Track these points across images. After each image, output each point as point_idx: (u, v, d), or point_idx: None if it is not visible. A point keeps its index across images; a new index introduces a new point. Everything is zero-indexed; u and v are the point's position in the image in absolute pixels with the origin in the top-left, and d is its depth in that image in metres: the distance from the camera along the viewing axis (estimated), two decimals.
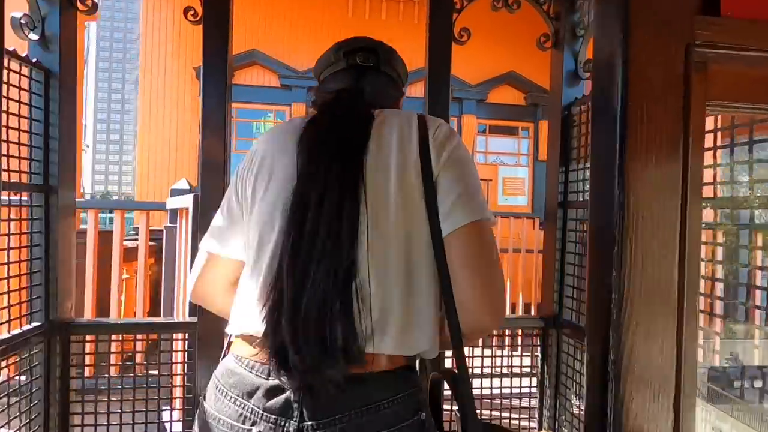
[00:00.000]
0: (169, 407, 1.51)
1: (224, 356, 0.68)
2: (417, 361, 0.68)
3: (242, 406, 0.59)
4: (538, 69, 5.27)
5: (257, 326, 0.59)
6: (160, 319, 1.41)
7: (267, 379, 0.59)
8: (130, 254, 2.57)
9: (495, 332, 1.62)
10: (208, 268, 0.75)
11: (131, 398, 1.34)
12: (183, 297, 1.81)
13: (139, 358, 1.41)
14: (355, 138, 0.64)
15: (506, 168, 5.32)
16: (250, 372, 0.60)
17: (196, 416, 0.66)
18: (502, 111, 5.22)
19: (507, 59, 5.08)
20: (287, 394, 0.57)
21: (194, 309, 1.41)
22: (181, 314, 1.79)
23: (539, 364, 1.62)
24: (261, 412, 0.57)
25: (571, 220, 1.52)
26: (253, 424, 0.57)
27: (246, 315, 0.63)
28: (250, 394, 0.59)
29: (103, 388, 1.35)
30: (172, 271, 2.00)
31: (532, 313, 3.30)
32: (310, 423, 0.56)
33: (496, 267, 0.64)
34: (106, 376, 1.36)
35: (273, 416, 0.57)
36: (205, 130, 1.41)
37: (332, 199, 0.58)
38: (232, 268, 0.73)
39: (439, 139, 0.66)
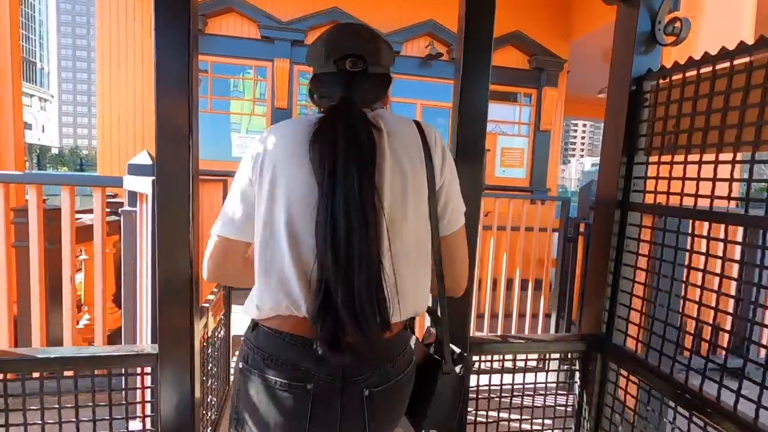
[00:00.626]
0: None
1: (253, 328, 0.80)
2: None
3: (294, 369, 0.74)
4: (546, 29, 4.86)
5: (295, 308, 0.74)
6: (111, 350, 1.07)
7: (312, 348, 0.72)
8: (89, 232, 2.20)
9: (528, 356, 1.34)
10: (227, 253, 0.84)
11: None
12: (146, 308, 1.48)
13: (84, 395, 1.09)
14: (368, 154, 0.73)
15: (505, 137, 4.99)
16: (295, 344, 0.75)
17: (239, 380, 0.79)
18: (504, 75, 4.81)
19: (512, 18, 4.63)
20: (337, 358, 0.71)
21: (156, 335, 1.09)
22: (144, 337, 1.47)
23: (577, 392, 1.37)
24: (312, 373, 0.74)
25: (633, 225, 1.22)
26: (307, 383, 0.74)
27: (282, 297, 0.75)
28: (299, 360, 0.74)
29: None
30: (132, 268, 1.65)
31: (530, 288, 3.09)
32: (352, 378, 0.75)
33: (466, 257, 0.90)
34: (39, 423, 1.03)
35: (322, 375, 0.74)
36: (161, 91, 1.03)
37: (358, 210, 0.70)
38: (245, 249, 0.85)
39: (438, 149, 0.82)
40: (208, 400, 1.54)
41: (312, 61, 0.85)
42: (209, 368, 1.54)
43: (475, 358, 1.25)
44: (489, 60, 1.15)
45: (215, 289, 1.82)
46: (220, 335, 1.73)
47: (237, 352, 0.83)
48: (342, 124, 0.73)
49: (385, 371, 0.78)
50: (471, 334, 1.23)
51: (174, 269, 1.07)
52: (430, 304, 0.92)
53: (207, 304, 1.51)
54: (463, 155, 1.17)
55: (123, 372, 1.08)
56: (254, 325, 0.81)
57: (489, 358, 1.33)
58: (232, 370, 2.02)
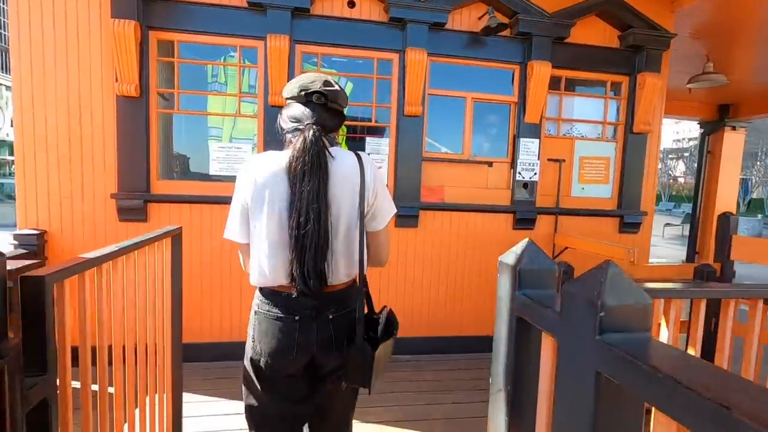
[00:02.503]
0: None
1: (261, 290, 1.29)
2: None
3: (286, 307, 1.23)
4: None
5: (282, 279, 1.23)
6: None
7: (296, 297, 1.22)
8: None
9: None
10: (243, 251, 1.34)
11: None
12: None
13: None
14: (323, 175, 1.18)
15: (585, 143, 3.65)
16: (283, 295, 1.24)
17: (254, 320, 1.29)
18: (586, 56, 3.48)
19: None
20: (310, 301, 1.23)
21: None
22: None
23: None
24: (298, 308, 1.23)
25: None
26: (296, 313, 1.23)
27: (273, 273, 1.23)
28: (289, 303, 1.24)
29: None
30: None
31: None
32: (321, 311, 1.24)
33: (388, 243, 1.37)
34: None
35: (304, 310, 1.24)
36: None
37: (312, 209, 1.16)
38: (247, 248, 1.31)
39: (370, 175, 1.26)
40: None
41: (287, 93, 1.31)
42: None
43: None
44: None
45: None
46: None
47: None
48: (311, 148, 1.17)
49: (339, 307, 1.27)
50: None
51: None
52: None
53: None
54: None
55: None
56: (260, 288, 1.29)
57: None
58: None
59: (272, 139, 3.05)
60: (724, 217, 2.85)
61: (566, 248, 3.46)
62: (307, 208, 1.15)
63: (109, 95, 2.88)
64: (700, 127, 7.49)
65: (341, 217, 1.22)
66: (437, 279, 3.45)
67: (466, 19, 3.30)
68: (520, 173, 3.47)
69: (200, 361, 3.07)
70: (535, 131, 3.46)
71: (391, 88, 3.25)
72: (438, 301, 3.46)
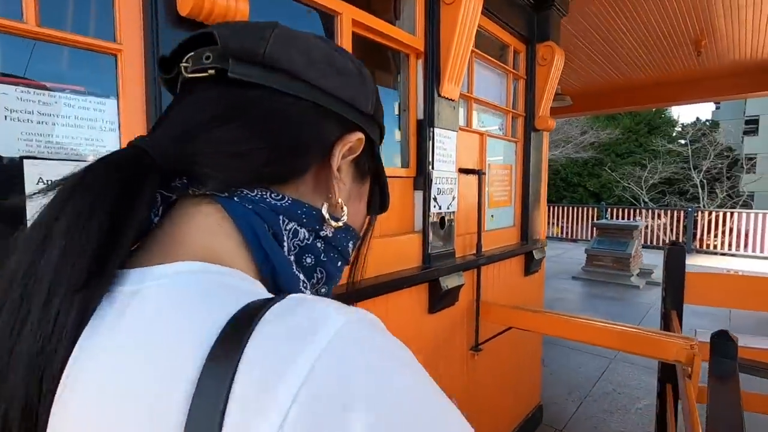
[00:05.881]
0: None
1: None
2: None
3: None
4: None
5: None
6: None
7: None
8: None
9: None
10: None
11: None
12: None
13: None
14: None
15: (492, 143, 2.23)
16: None
17: None
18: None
19: None
20: None
21: None
22: None
23: None
24: None
25: None
26: None
27: None
28: None
29: None
30: None
31: None
32: None
33: None
34: None
35: None
36: None
37: None
38: None
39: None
40: None
41: None
42: None
43: None
44: None
45: None
46: None
47: None
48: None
49: None
50: None
51: None
52: None
53: None
54: None
55: None
56: None
57: None
58: None
59: None
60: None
61: (509, 329, 1.94)
62: None
63: None
64: None
65: None
66: None
67: None
68: (435, 198, 1.70)
69: None
70: (452, 115, 1.76)
71: None
72: None
